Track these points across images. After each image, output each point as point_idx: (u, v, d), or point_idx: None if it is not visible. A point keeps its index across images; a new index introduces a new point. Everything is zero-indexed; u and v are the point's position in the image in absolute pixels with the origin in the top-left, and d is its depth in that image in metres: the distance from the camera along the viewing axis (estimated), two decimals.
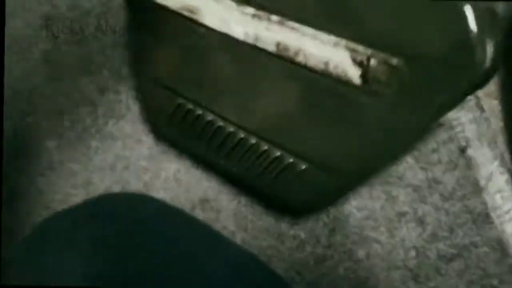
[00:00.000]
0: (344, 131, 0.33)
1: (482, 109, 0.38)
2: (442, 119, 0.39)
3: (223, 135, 0.38)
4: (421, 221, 0.38)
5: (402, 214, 0.38)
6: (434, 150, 0.39)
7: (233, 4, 0.35)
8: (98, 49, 0.51)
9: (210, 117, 0.38)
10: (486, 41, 0.27)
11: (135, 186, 0.45)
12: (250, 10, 0.34)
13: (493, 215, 0.36)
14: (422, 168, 0.39)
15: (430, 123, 0.33)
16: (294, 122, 0.35)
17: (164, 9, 0.38)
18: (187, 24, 0.37)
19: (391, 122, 0.30)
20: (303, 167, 0.35)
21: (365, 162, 0.33)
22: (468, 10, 0.26)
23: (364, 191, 0.39)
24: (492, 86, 0.37)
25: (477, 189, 0.37)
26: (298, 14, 0.32)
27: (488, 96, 0.38)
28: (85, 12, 0.53)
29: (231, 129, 0.38)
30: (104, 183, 0.46)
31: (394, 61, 0.29)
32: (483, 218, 0.36)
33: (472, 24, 0.26)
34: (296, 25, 0.32)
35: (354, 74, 0.30)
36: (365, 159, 0.33)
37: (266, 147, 0.37)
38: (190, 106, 0.39)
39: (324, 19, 0.31)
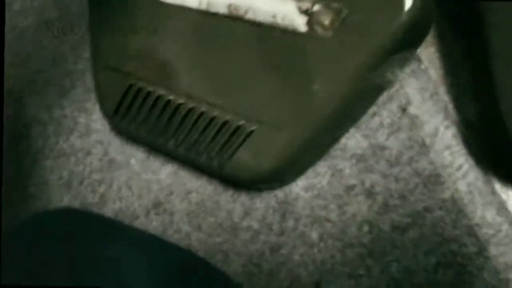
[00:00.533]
0: (294, 82, 0.33)
1: (419, 60, 0.34)
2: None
3: (172, 109, 0.38)
4: (370, 193, 0.35)
5: (350, 188, 0.36)
6: (374, 114, 0.35)
7: None
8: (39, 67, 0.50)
9: (160, 91, 0.38)
10: None
11: (92, 199, 0.45)
12: None
13: (444, 174, 0.33)
14: (364, 136, 0.36)
15: (373, 68, 0.31)
16: (245, 81, 0.35)
17: None
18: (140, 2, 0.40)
19: (336, 66, 0.31)
20: (254, 127, 0.34)
21: (317, 116, 0.33)
22: None
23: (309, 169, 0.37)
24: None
25: (424, 149, 0.33)
26: None
27: (424, 45, 0.34)
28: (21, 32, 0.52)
29: (180, 100, 0.37)
30: (63, 201, 0.46)
31: (336, 4, 0.31)
32: (434, 179, 0.33)
33: None
34: None
35: (300, 22, 0.32)
36: (316, 112, 0.32)
37: (215, 113, 0.36)
38: (140, 84, 0.40)
39: None
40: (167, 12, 0.38)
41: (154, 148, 0.42)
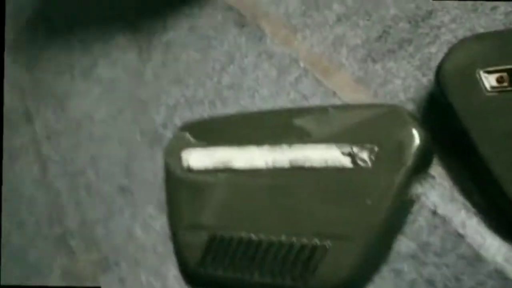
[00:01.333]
0: (352, 203, 0.46)
1: (433, 177, 0.47)
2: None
3: (254, 246, 0.48)
4: (430, 282, 0.43)
5: (413, 282, 0.44)
6: (413, 221, 0.46)
7: (254, 147, 0.51)
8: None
9: (242, 234, 0.50)
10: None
11: None
12: (266, 146, 0.51)
13: (482, 252, 0.43)
14: (410, 238, 0.46)
15: (403, 185, 0.45)
16: (313, 211, 0.47)
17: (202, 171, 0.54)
18: (219, 175, 0.54)
19: (380, 186, 0.44)
20: (328, 244, 0.45)
21: (375, 225, 0.44)
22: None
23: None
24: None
25: (460, 238, 0.44)
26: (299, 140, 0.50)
27: (434, 166, 0.47)
28: None
29: (261, 237, 0.48)
30: None
31: (368, 145, 0.46)
32: (476, 258, 0.42)
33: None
34: (299, 145, 0.49)
35: (346, 161, 0.46)
36: (374, 222, 0.44)
37: (293, 240, 0.47)
38: (221, 232, 0.51)
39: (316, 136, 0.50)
40: (241, 175, 0.51)
41: (240, 285, 0.50)
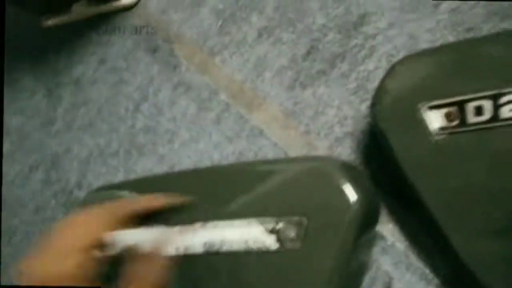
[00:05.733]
0: None
1: (383, 238, 0.37)
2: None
3: None
4: None
5: None
6: None
7: (161, 229, 0.41)
8: None
9: None
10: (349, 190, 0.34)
11: None
12: (176, 228, 0.40)
13: None
14: None
15: (345, 260, 0.34)
16: None
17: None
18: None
19: (312, 271, 0.34)
20: None
21: None
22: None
23: None
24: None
25: None
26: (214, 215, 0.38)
27: (382, 223, 0.37)
28: None
29: None
30: None
31: (296, 218, 0.35)
32: None
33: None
34: (215, 222, 0.38)
35: (270, 241, 0.35)
36: None
37: None
38: None
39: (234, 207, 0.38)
40: None
41: None
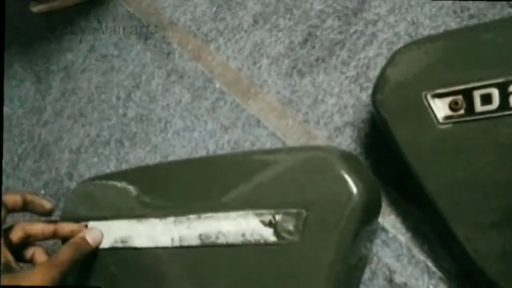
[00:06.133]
0: None
1: (385, 230, 0.36)
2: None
3: None
4: None
5: None
6: None
7: (156, 220, 0.40)
8: None
9: None
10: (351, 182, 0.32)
11: None
12: (171, 219, 0.39)
13: None
14: None
15: (345, 254, 0.33)
16: None
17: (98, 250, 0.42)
18: (120, 254, 0.41)
19: (311, 264, 0.33)
20: None
21: None
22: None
23: None
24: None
25: None
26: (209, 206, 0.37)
27: (383, 215, 0.36)
28: None
29: None
30: None
31: (293, 210, 0.34)
32: None
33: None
34: (210, 214, 0.37)
35: (267, 233, 0.34)
36: None
37: None
38: None
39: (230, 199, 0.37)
40: (140, 256, 0.40)
41: None
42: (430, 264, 0.35)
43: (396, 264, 0.36)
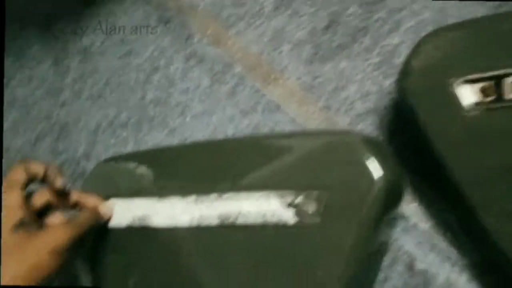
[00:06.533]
0: (297, 274, 0.33)
1: (406, 218, 0.36)
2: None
3: None
4: None
5: None
6: (385, 279, 0.36)
7: (177, 199, 0.40)
8: None
9: None
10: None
11: None
12: (192, 197, 0.39)
13: None
14: None
15: (366, 239, 0.33)
16: (247, 284, 0.35)
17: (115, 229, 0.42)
18: (137, 233, 0.41)
19: (332, 247, 0.33)
20: None
21: None
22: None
23: None
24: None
25: None
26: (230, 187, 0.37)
27: (406, 202, 0.36)
28: None
29: None
30: None
31: (315, 192, 0.34)
32: None
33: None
34: (231, 194, 0.37)
35: (288, 215, 0.34)
36: None
37: None
38: None
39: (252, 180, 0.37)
40: (158, 236, 0.40)
41: None
42: (452, 252, 0.35)
43: (417, 251, 0.36)
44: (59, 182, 0.40)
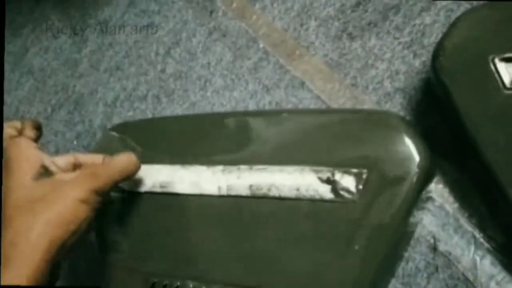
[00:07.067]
0: (334, 248, 0.33)
1: (432, 199, 0.36)
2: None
3: None
4: None
5: None
6: (407, 260, 0.35)
7: (203, 167, 0.39)
8: None
9: (191, 284, 0.38)
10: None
11: None
12: (219, 167, 0.38)
13: None
14: (403, 284, 0.35)
15: (402, 218, 0.33)
16: (281, 257, 0.35)
17: (134, 194, 0.42)
18: (158, 199, 0.41)
19: (370, 224, 0.32)
20: None
21: (364, 273, 0.32)
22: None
23: None
24: None
25: (469, 285, 0.33)
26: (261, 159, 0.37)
27: (433, 183, 0.36)
28: None
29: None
30: None
31: (355, 170, 0.33)
32: None
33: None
34: (263, 166, 0.36)
35: (325, 190, 0.34)
36: (363, 270, 0.32)
37: None
38: (166, 281, 0.39)
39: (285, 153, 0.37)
40: (185, 202, 0.39)
41: None
42: (477, 235, 0.34)
43: (442, 233, 0.35)
44: (32, 133, 0.39)
